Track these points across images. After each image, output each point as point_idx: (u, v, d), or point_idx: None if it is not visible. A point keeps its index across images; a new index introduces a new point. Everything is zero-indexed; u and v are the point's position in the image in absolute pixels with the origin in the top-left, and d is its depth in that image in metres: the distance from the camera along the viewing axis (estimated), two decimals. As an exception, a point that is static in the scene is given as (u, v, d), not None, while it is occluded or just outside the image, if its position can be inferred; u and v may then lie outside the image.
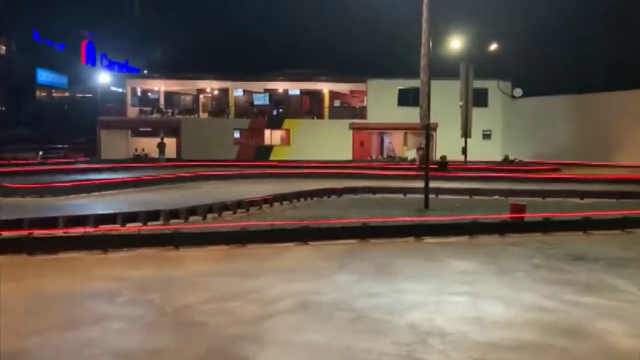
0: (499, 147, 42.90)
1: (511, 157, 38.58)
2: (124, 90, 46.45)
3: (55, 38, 70.67)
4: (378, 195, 21.94)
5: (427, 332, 6.86)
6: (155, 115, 44.48)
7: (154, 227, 13.39)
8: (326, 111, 45.34)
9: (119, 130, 43.62)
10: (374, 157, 45.46)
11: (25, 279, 9.17)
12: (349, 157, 43.49)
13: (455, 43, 38.01)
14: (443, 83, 41.03)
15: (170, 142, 43.49)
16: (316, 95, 46.02)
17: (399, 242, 12.67)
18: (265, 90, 46.11)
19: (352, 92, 47.04)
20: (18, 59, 64.57)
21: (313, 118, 44.97)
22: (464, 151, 35.52)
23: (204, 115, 46.36)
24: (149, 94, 47.67)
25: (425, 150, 19.37)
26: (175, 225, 13.71)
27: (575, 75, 40.69)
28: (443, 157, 33.14)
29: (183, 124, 43.45)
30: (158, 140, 40.71)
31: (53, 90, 72.29)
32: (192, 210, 15.09)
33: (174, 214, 14.59)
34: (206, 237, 11.76)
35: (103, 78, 46.07)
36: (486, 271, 10.16)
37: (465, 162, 35.40)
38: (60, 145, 44.42)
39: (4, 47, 65.84)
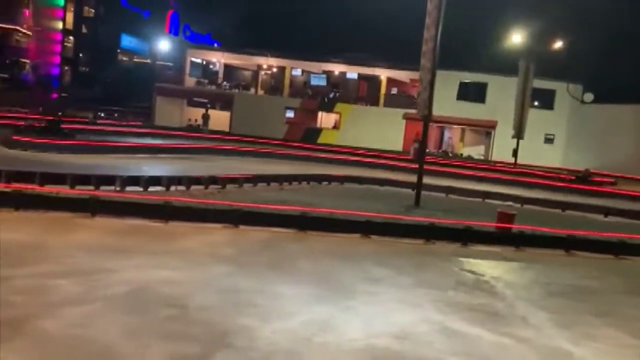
0: (561, 153, 39.83)
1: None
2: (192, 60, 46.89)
3: (142, 5, 72.68)
4: (384, 188, 20.63)
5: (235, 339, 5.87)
6: (211, 87, 44.73)
7: (104, 192, 12.91)
8: (381, 98, 43.83)
9: (175, 98, 44.22)
10: (428, 151, 43.57)
11: None
12: (400, 148, 41.88)
13: (517, 38, 35.34)
14: (506, 80, 38.55)
15: (224, 116, 43.69)
16: (373, 81, 44.58)
17: (340, 238, 11.52)
18: (323, 72, 45.17)
19: (412, 80, 45.18)
20: (105, 23, 66.87)
21: (366, 104, 43.63)
22: (515, 153, 33.15)
23: (261, 92, 46.18)
24: (211, 66, 48.01)
25: (422, 142, 17.81)
26: (130, 194, 13.22)
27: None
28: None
29: (236, 98, 43.43)
30: (210, 111, 41.09)
31: (135, 56, 74.62)
32: (154, 180, 14.59)
33: (133, 180, 14.15)
34: (126, 208, 11.15)
35: (163, 45, 46.92)
36: (394, 282, 8.89)
37: (515, 165, 33.04)
38: (116, 108, 45.77)
39: (92, 11, 68.41)
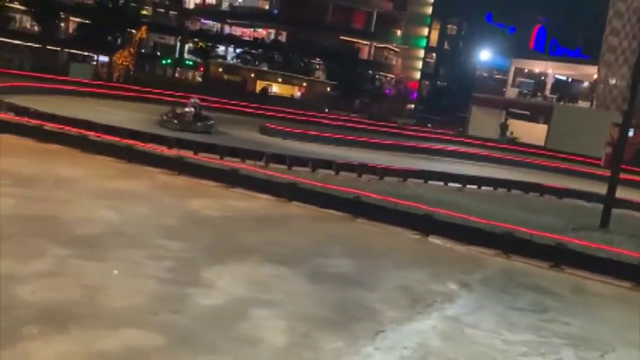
0: None
1: None
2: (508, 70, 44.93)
3: (507, 21, 71.93)
4: (591, 204, 16.42)
5: None
6: (535, 99, 41.62)
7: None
8: None
9: (492, 109, 42.67)
10: None
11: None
12: None
13: None
14: None
15: (543, 129, 40.32)
16: None
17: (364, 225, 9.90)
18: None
19: None
20: (466, 40, 68.65)
21: None
22: None
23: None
24: (543, 77, 44.71)
25: (618, 148, 13.22)
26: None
27: None
28: None
29: (555, 111, 39.38)
30: (540, 124, 38.90)
31: (495, 72, 74.17)
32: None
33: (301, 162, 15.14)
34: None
35: (483, 55, 45.70)
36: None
37: None
38: (436, 117, 46.91)
39: (455, 28, 70.98)
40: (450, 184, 16.18)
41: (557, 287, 8.03)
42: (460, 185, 16.27)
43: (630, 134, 37.71)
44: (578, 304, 7.56)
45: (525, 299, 7.35)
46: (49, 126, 14.23)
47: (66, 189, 9.66)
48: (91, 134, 13.72)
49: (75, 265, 6.29)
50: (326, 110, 39.84)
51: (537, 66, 43.24)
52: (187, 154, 13.96)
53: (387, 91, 58.82)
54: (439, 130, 40.75)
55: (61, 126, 14.34)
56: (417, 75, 63.39)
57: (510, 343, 5.82)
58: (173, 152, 13.67)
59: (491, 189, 16.72)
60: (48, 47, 42.83)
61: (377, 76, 59.67)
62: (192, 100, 21.17)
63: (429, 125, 44.74)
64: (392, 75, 61.06)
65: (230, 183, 11.54)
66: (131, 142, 13.63)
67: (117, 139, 14.00)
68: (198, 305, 5.72)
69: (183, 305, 5.64)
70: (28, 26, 46.05)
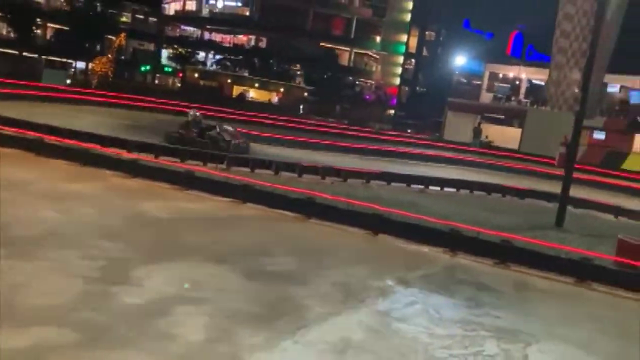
0: None
1: None
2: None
3: (484, 28, 72.50)
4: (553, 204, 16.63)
5: None
6: (509, 103, 42.08)
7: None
8: None
9: (468, 114, 43.08)
10: None
11: None
12: None
13: None
14: None
15: (518, 133, 40.78)
16: None
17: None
18: (650, 88, 37.72)
19: None
20: (445, 46, 69.09)
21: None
22: None
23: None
24: (517, 82, 45.26)
25: (571, 147, 13.41)
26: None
27: None
28: None
29: (528, 115, 39.87)
30: (515, 128, 39.22)
31: (473, 77, 74.82)
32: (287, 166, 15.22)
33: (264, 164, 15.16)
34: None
35: (459, 60, 46.09)
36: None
37: None
38: (412, 122, 47.21)
39: (433, 34, 71.45)
40: (413, 186, 16.37)
41: (498, 284, 8.11)
42: (423, 187, 16.45)
43: (602, 137, 38.46)
44: (515, 299, 7.65)
45: (462, 294, 7.41)
46: (7, 130, 14.11)
47: (13, 190, 9.55)
48: (49, 138, 13.60)
49: (1, 266, 6.22)
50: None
51: (511, 71, 43.79)
52: (147, 157, 13.97)
53: (367, 97, 59.07)
54: (415, 135, 41.11)
55: (19, 130, 14.26)
56: (397, 81, 63.83)
57: (435, 337, 5.86)
58: (132, 156, 13.62)
59: (454, 190, 16.93)
60: (24, 53, 42.46)
61: (357, 82, 59.98)
62: (191, 112, 18.43)
63: (409, 130, 45.16)
64: (371, 81, 61.47)
65: (186, 185, 11.51)
66: (89, 145, 13.57)
67: (76, 142, 13.96)
68: (121, 303, 5.69)
69: (105, 304, 5.61)
70: (4, 32, 45.62)
